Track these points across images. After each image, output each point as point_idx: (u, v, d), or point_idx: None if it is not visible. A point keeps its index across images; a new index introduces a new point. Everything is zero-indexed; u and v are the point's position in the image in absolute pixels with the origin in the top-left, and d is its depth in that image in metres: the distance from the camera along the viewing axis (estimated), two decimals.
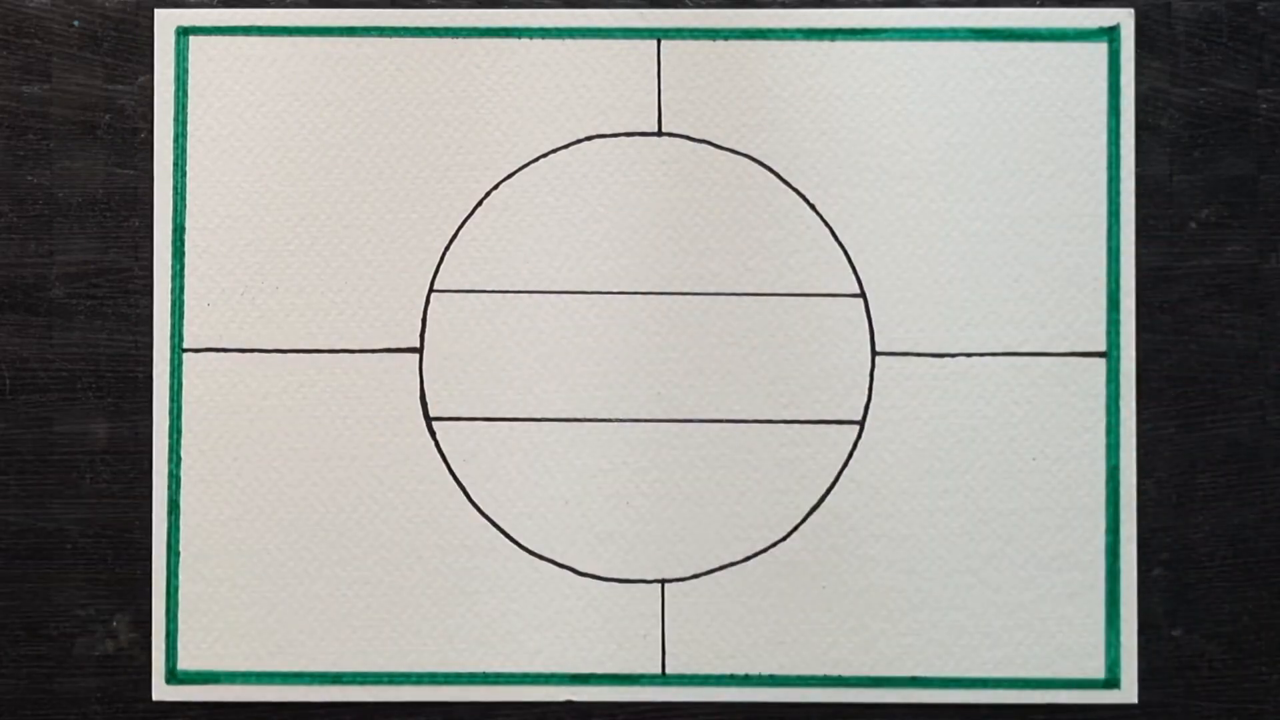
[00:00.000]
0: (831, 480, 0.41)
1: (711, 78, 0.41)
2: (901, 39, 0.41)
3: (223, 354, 0.41)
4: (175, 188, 0.41)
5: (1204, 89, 0.41)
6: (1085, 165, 0.41)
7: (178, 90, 0.41)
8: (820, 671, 0.40)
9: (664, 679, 0.41)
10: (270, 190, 0.41)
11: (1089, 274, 0.41)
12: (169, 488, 0.41)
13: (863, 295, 0.41)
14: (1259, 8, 0.41)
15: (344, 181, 0.41)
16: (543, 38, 0.41)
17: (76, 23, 0.41)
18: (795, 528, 0.41)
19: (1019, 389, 0.41)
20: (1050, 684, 0.40)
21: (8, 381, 0.41)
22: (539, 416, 0.41)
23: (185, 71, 0.41)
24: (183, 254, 0.41)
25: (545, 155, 0.41)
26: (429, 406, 0.41)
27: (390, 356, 0.41)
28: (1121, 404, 0.41)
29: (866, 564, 0.40)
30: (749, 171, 0.41)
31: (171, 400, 0.41)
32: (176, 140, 0.41)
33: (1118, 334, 0.41)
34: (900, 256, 0.41)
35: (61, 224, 0.41)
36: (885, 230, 0.41)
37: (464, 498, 0.41)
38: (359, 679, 0.40)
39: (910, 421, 0.41)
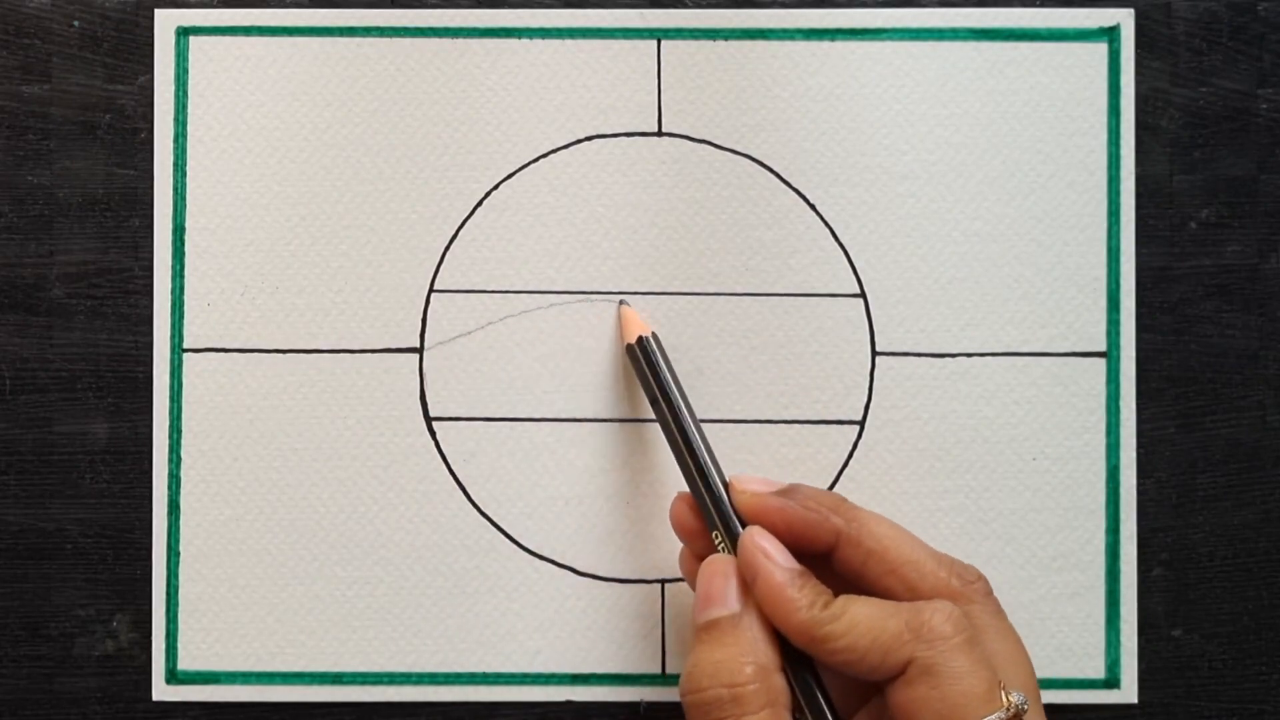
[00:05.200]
0: (831, 480, 0.41)
1: (711, 78, 0.41)
2: (901, 39, 0.41)
3: (223, 354, 0.41)
4: (175, 188, 0.41)
5: (1204, 89, 0.41)
6: (1085, 165, 0.41)
7: (178, 90, 0.41)
8: None
9: (664, 679, 0.41)
10: (270, 190, 0.41)
11: (1089, 274, 0.41)
12: (169, 488, 0.41)
13: (863, 295, 0.41)
14: (1259, 8, 0.41)
15: (344, 182, 0.41)
16: (543, 38, 0.41)
17: (76, 23, 0.41)
18: None
19: (1019, 389, 0.41)
20: (1050, 684, 0.40)
21: (8, 381, 0.41)
22: (539, 416, 0.41)
23: (185, 71, 0.41)
24: (183, 254, 0.41)
25: (545, 155, 0.41)
26: (429, 406, 0.41)
27: (390, 356, 0.41)
28: (1121, 404, 0.41)
29: None
30: (749, 171, 0.41)
31: (171, 400, 0.41)
32: (176, 140, 0.41)
33: (1118, 334, 0.41)
34: (900, 256, 0.41)
35: (61, 224, 0.41)
36: (885, 230, 0.41)
37: (464, 498, 0.41)
38: (359, 679, 0.40)
39: (910, 421, 0.41)
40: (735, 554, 0.35)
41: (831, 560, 0.35)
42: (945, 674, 0.31)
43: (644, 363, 0.38)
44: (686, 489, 0.36)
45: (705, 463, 0.36)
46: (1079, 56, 0.41)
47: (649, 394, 0.38)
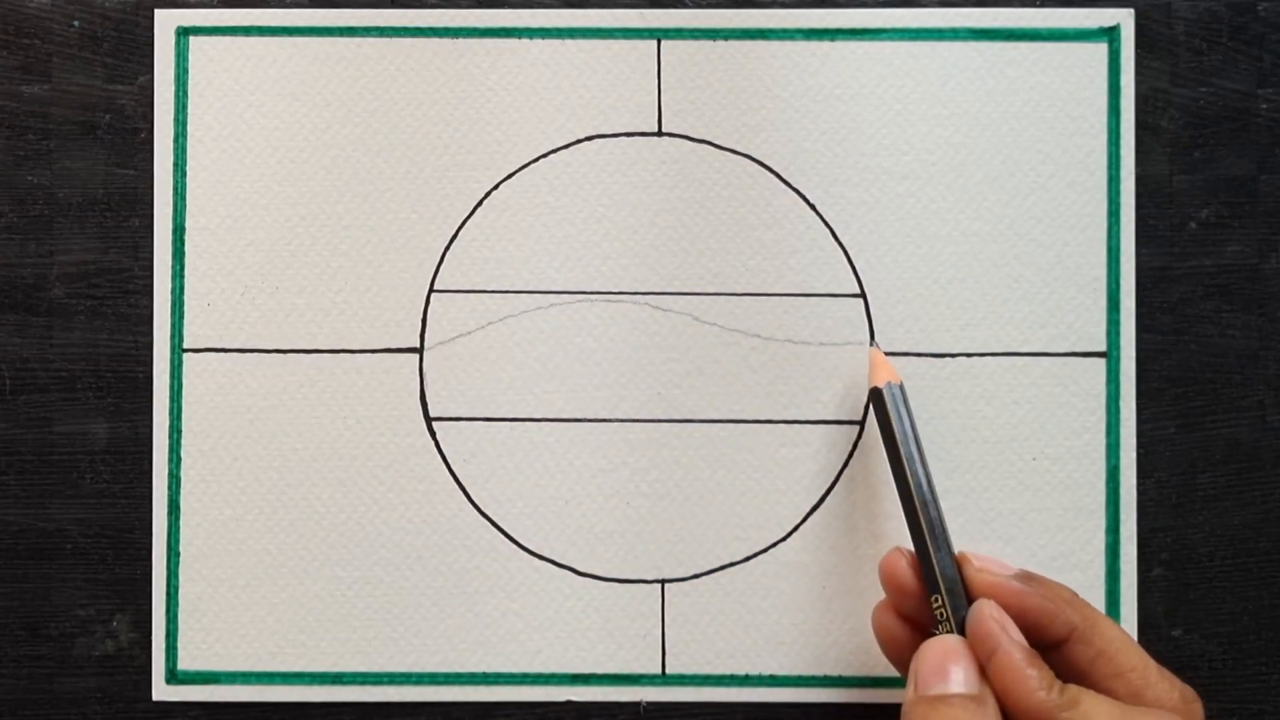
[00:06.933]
0: (831, 480, 0.41)
1: (711, 78, 0.41)
2: (901, 39, 0.41)
3: (223, 354, 0.41)
4: (175, 188, 0.41)
5: (1204, 89, 0.41)
6: (1085, 165, 0.41)
7: (178, 90, 0.41)
8: (820, 671, 0.40)
9: (664, 679, 0.41)
10: (270, 190, 0.41)
11: (1089, 274, 0.41)
12: (169, 488, 0.41)
13: (863, 295, 0.41)
14: (1259, 8, 0.41)
15: (344, 181, 0.41)
16: (543, 38, 0.41)
17: (76, 23, 0.41)
18: (795, 528, 0.41)
19: (1019, 389, 0.41)
20: None
21: (8, 381, 0.41)
22: (539, 416, 0.41)
23: (185, 71, 0.41)
24: (183, 254, 0.41)
25: (545, 155, 0.41)
26: (429, 406, 0.41)
27: (390, 356, 0.41)
28: (1121, 404, 0.41)
29: (866, 564, 0.40)
30: (749, 171, 0.41)
31: (171, 400, 0.41)
32: (176, 140, 0.41)
33: (1118, 334, 0.41)
34: (900, 256, 0.41)
35: (61, 224, 0.41)
36: (885, 230, 0.41)
37: (464, 498, 0.41)
38: (359, 679, 0.40)
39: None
40: (956, 626, 0.34)
41: (1054, 654, 0.34)
42: None
43: (882, 411, 0.36)
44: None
45: (938, 527, 0.35)
46: (1079, 56, 0.41)
47: (886, 443, 0.37)
